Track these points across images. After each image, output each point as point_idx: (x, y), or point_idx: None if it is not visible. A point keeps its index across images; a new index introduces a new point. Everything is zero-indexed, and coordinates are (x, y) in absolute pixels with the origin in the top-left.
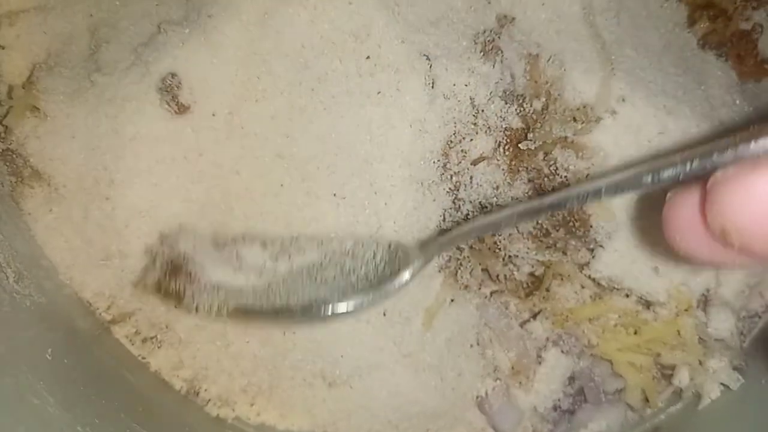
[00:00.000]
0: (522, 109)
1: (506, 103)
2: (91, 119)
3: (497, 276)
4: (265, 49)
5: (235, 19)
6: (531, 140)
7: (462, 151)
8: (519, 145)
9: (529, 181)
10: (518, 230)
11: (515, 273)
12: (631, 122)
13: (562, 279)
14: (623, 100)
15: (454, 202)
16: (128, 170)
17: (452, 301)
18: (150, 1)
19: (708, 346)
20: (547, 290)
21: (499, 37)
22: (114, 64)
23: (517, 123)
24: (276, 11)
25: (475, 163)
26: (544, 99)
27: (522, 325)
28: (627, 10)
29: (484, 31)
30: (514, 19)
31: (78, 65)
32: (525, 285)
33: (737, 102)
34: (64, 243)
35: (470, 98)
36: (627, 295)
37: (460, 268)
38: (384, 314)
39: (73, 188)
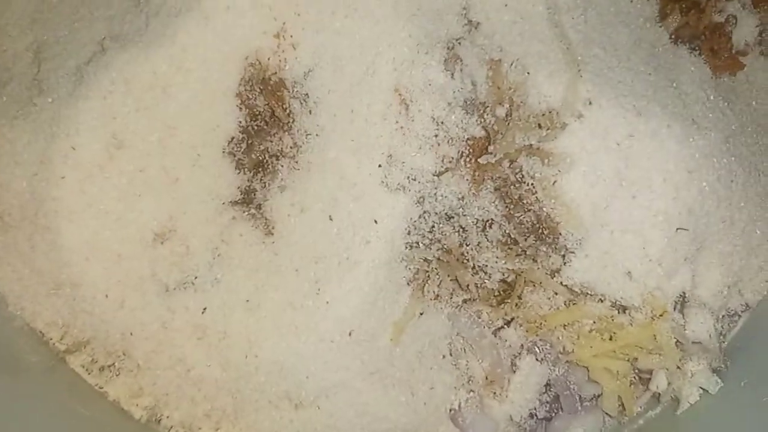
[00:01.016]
0: (483, 119)
1: (467, 113)
2: (34, 145)
3: (467, 285)
4: None
5: None
6: (492, 153)
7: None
8: (479, 160)
9: (495, 189)
10: (487, 239)
11: (486, 281)
12: (599, 125)
13: (534, 286)
14: (590, 102)
15: (420, 215)
16: (70, 197)
17: (422, 314)
18: (93, 19)
19: (686, 349)
20: (519, 298)
21: (459, 44)
22: (57, 86)
23: (479, 132)
24: None
25: (438, 174)
26: (507, 105)
27: (495, 333)
28: (594, 7)
29: (447, 40)
30: (479, 24)
31: (21, 87)
32: (497, 293)
33: (711, 98)
34: (12, 273)
35: (431, 110)
36: (601, 300)
37: (428, 281)
38: (350, 334)
39: (18, 217)
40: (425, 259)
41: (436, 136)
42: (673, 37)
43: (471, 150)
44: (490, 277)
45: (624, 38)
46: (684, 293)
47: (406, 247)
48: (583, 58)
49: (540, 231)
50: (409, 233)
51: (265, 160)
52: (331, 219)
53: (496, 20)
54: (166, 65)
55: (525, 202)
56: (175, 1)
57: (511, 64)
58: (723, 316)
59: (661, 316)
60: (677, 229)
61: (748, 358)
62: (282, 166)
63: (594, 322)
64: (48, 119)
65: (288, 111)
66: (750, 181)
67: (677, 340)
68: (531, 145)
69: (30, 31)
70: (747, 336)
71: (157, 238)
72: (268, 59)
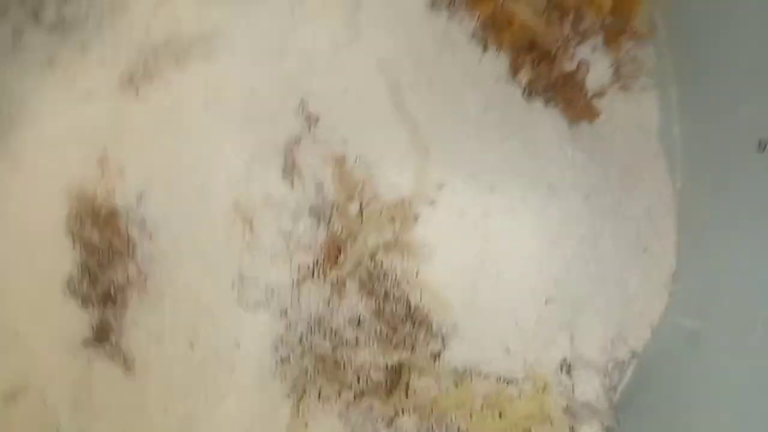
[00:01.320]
0: (330, 226)
1: (316, 219)
2: None
3: (351, 384)
4: None
5: None
6: (345, 260)
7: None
8: (333, 269)
9: (361, 287)
10: (360, 336)
11: (371, 375)
12: (453, 209)
13: (419, 373)
14: (441, 187)
15: (286, 327)
16: None
17: (307, 424)
18: None
19: (576, 412)
20: (407, 386)
21: (299, 145)
22: None
23: (333, 234)
24: None
25: (297, 284)
26: (357, 202)
27: (389, 424)
28: (439, 76)
29: (285, 144)
30: (318, 119)
31: None
32: (385, 383)
33: (569, 153)
34: None
35: (275, 225)
36: (486, 378)
37: (309, 388)
38: None
39: None
40: (301, 369)
41: (287, 247)
42: (526, 91)
43: (327, 254)
44: (373, 371)
45: (474, 105)
46: (565, 358)
47: (277, 365)
48: (431, 138)
49: (413, 320)
50: (276, 349)
51: (112, 292)
52: (192, 348)
53: (337, 110)
54: None
55: (392, 295)
56: None
57: (355, 161)
58: (612, 368)
59: (543, 388)
60: (546, 301)
61: (641, 408)
62: (132, 295)
63: (484, 399)
64: None
65: (126, 239)
66: (618, 232)
67: (567, 405)
68: (386, 241)
69: None
70: (638, 383)
71: (9, 399)
72: (95, 189)
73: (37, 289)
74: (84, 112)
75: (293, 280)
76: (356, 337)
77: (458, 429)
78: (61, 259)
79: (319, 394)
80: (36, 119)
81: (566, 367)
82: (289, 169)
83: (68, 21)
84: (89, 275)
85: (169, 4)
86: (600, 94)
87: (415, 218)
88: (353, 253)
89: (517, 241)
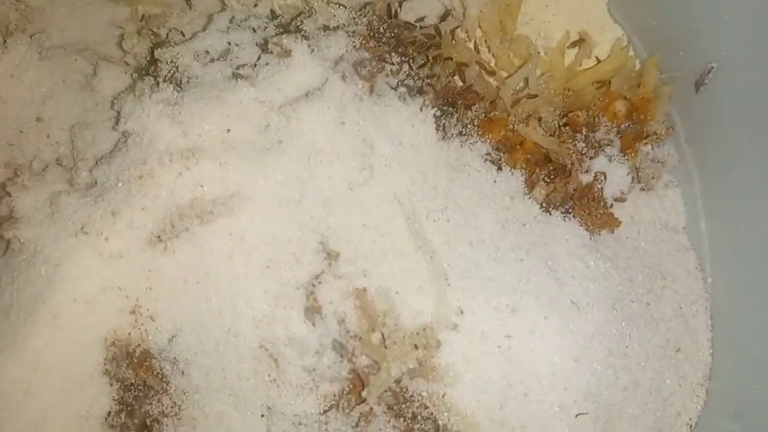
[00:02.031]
0: (353, 359)
1: (340, 354)
2: None
3: None
4: None
5: None
6: (371, 392)
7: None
8: (358, 399)
9: (389, 408)
10: None
11: None
12: (475, 332)
13: None
14: (462, 312)
15: None
16: None
17: None
18: None
19: None
20: None
21: (320, 282)
22: None
23: (357, 366)
24: None
25: (324, 412)
26: (380, 332)
27: None
28: (455, 199)
29: (307, 282)
30: (338, 254)
31: None
32: None
33: (591, 264)
34: None
35: (299, 361)
36: None
37: None
38: None
39: None
40: None
41: (312, 380)
42: (544, 205)
43: (353, 385)
44: None
45: (491, 224)
46: None
47: None
48: (450, 263)
49: None
50: None
51: (149, 423)
52: None
53: (357, 244)
54: (23, 371)
55: (420, 416)
56: (23, 301)
57: (376, 291)
58: None
59: None
60: (577, 415)
61: None
62: (167, 425)
63: None
64: None
65: (160, 376)
66: (648, 336)
67: None
68: (410, 368)
69: None
70: None
71: None
72: (129, 334)
73: (78, 427)
74: (116, 270)
75: (320, 410)
76: None
77: None
78: (99, 397)
79: None
80: (71, 280)
81: None
82: (312, 309)
83: (100, 184)
84: (126, 408)
85: (193, 170)
86: (620, 199)
87: (438, 345)
88: (378, 383)
89: (541, 361)
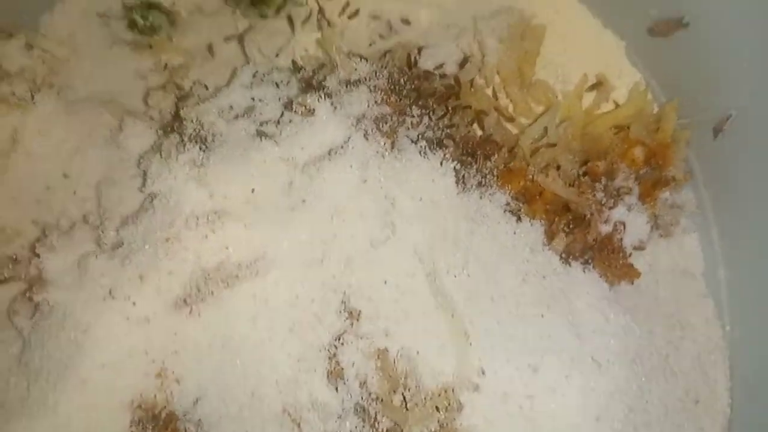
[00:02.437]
0: (375, 425)
1: (362, 419)
2: None
3: None
4: None
5: None
6: None
7: None
8: None
9: None
10: None
11: None
12: (497, 393)
13: None
14: (483, 372)
15: None
16: None
17: None
18: None
19: None
20: None
21: (342, 344)
22: None
23: (381, 428)
24: None
25: None
26: (401, 394)
27: None
28: (476, 253)
29: (329, 344)
30: (360, 312)
31: None
32: None
33: (611, 317)
34: None
35: (322, 426)
36: None
37: None
38: None
39: None
40: None
41: None
42: (564, 256)
43: None
44: None
45: (511, 278)
46: None
47: None
48: (471, 321)
49: None
50: None
51: None
52: None
53: (378, 302)
54: None
55: None
56: (52, 365)
57: (398, 353)
58: None
59: None
60: None
61: None
62: None
63: None
64: None
65: None
66: (667, 389)
67: None
68: (432, 431)
69: None
70: None
71: None
72: (155, 397)
73: None
74: (143, 334)
75: None
76: None
77: None
78: None
79: None
80: (100, 345)
81: None
82: (334, 373)
83: (127, 245)
84: None
85: (218, 233)
86: (639, 248)
87: (460, 407)
88: None
89: (562, 420)
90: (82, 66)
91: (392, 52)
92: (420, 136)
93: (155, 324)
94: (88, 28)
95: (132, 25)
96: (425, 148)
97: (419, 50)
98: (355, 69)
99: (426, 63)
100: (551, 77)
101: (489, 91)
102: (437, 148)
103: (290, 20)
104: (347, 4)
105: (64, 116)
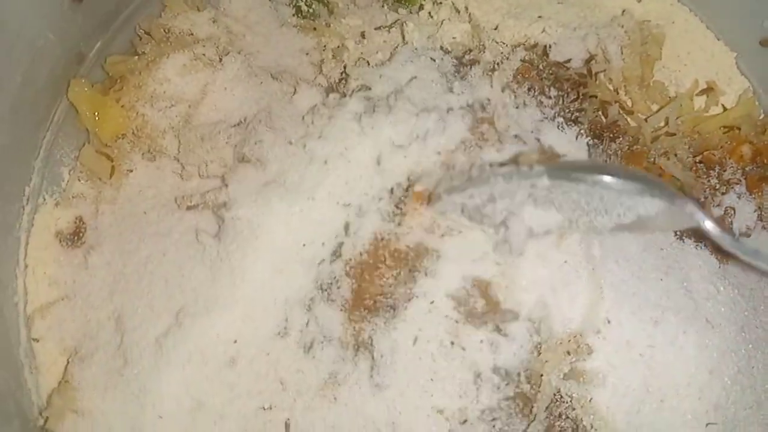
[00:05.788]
0: (517, 384)
1: (502, 379)
2: (124, 415)
3: None
4: None
5: None
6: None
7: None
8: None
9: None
10: None
11: None
12: (620, 341)
13: None
14: (609, 321)
15: None
16: None
17: None
18: (168, 290)
19: None
20: None
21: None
22: (140, 358)
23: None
24: None
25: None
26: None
27: None
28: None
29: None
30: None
31: (107, 357)
32: None
33: (721, 289)
34: None
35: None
36: None
37: None
38: None
39: None
40: None
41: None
42: (678, 233)
43: (515, 395)
44: None
45: (633, 246)
46: None
47: None
48: (603, 276)
49: None
50: None
51: None
52: None
53: None
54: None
55: (565, 416)
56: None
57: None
58: None
59: None
60: (707, 424)
61: None
62: None
63: None
64: (135, 390)
65: None
66: None
67: None
68: (565, 372)
69: (110, 302)
70: None
71: None
72: None
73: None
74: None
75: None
76: None
77: None
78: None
79: None
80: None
81: None
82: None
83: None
84: None
85: None
86: (746, 234)
87: (590, 351)
88: (544, 397)
89: (679, 370)
90: (255, 41)
91: (523, 45)
92: (556, 114)
93: None
94: (260, 9)
95: (297, 11)
96: (562, 123)
97: (549, 46)
98: (501, 52)
99: (555, 57)
100: (665, 80)
101: (611, 87)
102: (573, 124)
103: (430, 15)
104: None
105: (245, 78)
